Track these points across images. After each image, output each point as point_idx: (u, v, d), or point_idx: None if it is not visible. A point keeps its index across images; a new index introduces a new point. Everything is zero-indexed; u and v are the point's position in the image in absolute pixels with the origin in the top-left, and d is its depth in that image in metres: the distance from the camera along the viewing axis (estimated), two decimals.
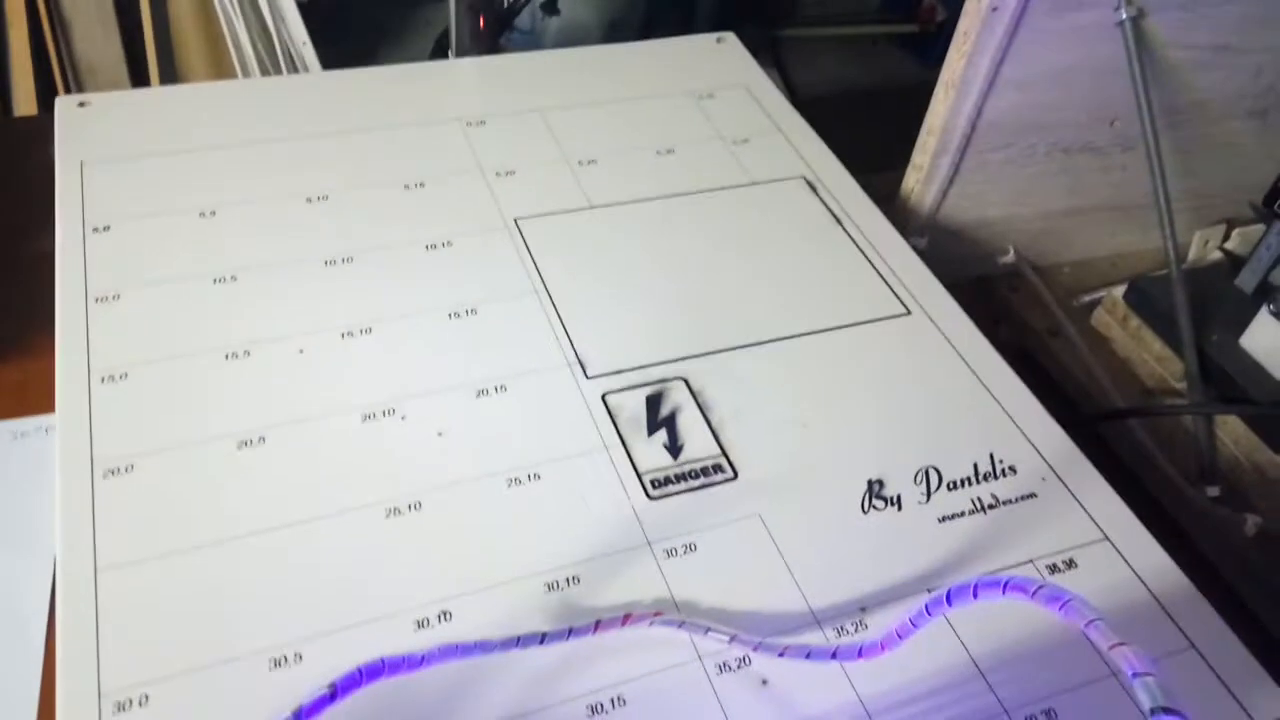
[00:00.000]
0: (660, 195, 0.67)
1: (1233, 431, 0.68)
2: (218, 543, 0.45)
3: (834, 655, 0.41)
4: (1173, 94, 0.75)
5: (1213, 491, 0.66)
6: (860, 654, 0.40)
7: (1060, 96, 0.72)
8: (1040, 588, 0.31)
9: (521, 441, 0.51)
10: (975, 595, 0.33)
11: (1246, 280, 0.69)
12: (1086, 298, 0.81)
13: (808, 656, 0.41)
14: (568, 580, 0.46)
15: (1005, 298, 0.82)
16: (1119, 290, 0.78)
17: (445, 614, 0.43)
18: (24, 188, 0.69)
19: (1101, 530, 0.50)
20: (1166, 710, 0.25)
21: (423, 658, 0.37)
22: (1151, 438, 0.69)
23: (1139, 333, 0.75)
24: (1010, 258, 0.82)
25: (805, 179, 0.70)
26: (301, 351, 0.54)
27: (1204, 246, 0.83)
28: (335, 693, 0.32)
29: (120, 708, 0.39)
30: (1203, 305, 0.72)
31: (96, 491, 0.46)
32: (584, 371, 0.55)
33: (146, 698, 0.39)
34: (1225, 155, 0.82)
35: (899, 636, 0.38)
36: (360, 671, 0.33)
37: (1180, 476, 0.67)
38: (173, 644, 0.41)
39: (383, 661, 0.34)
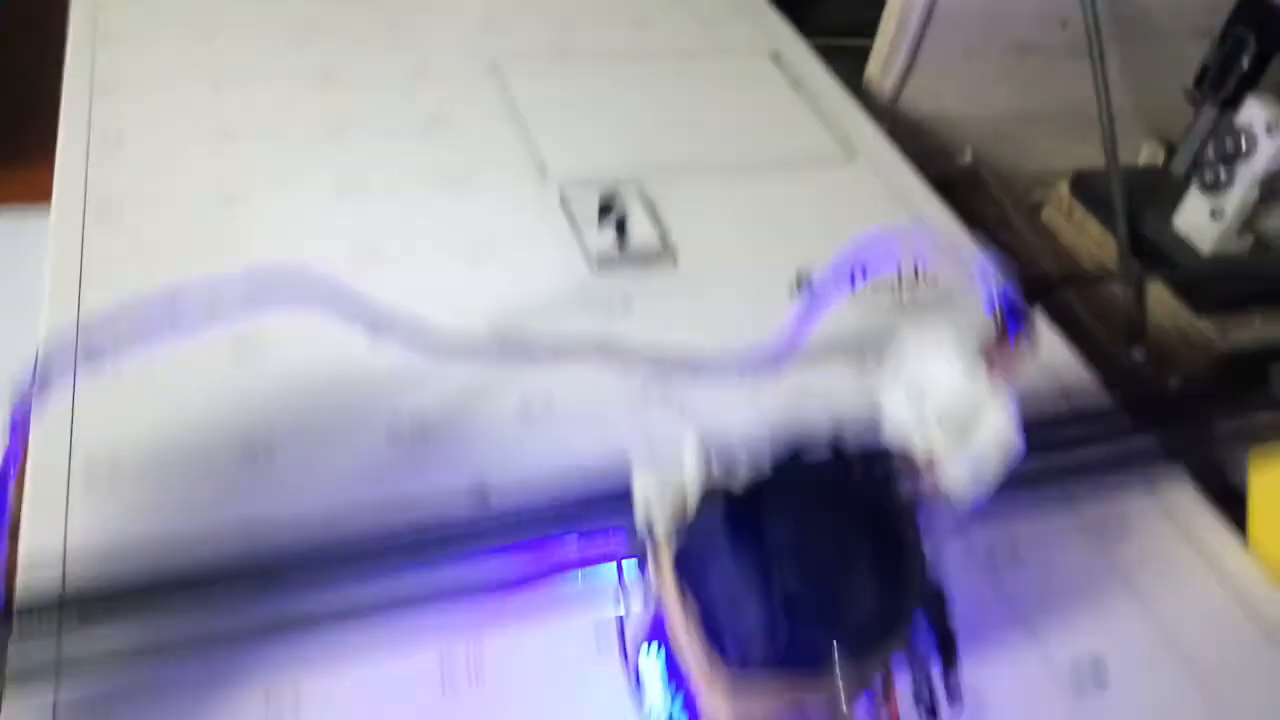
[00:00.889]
0: (633, 54, 0.72)
1: (1160, 301, 0.72)
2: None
3: (746, 366, 0.45)
4: (1122, 4, 0.80)
5: (1139, 355, 0.70)
6: (767, 358, 0.44)
7: None
8: (900, 243, 0.35)
9: (480, 221, 0.56)
10: (851, 267, 0.37)
11: (1179, 164, 0.74)
12: (1038, 196, 0.86)
13: (720, 373, 0.46)
14: (512, 326, 0.50)
15: (964, 197, 0.86)
16: (1065, 188, 0.82)
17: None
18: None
19: None
20: (1003, 300, 0.29)
21: (369, 312, 0.41)
22: (1086, 311, 0.73)
23: (1082, 223, 0.79)
24: (968, 158, 0.86)
25: (771, 52, 0.75)
26: (286, 137, 0.58)
27: (1152, 155, 0.87)
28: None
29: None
30: (1142, 196, 0.76)
31: (87, 227, 0.51)
32: (544, 174, 0.59)
33: None
34: (1175, 72, 0.86)
35: (795, 332, 0.42)
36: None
37: (1110, 342, 0.71)
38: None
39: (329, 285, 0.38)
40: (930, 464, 0.25)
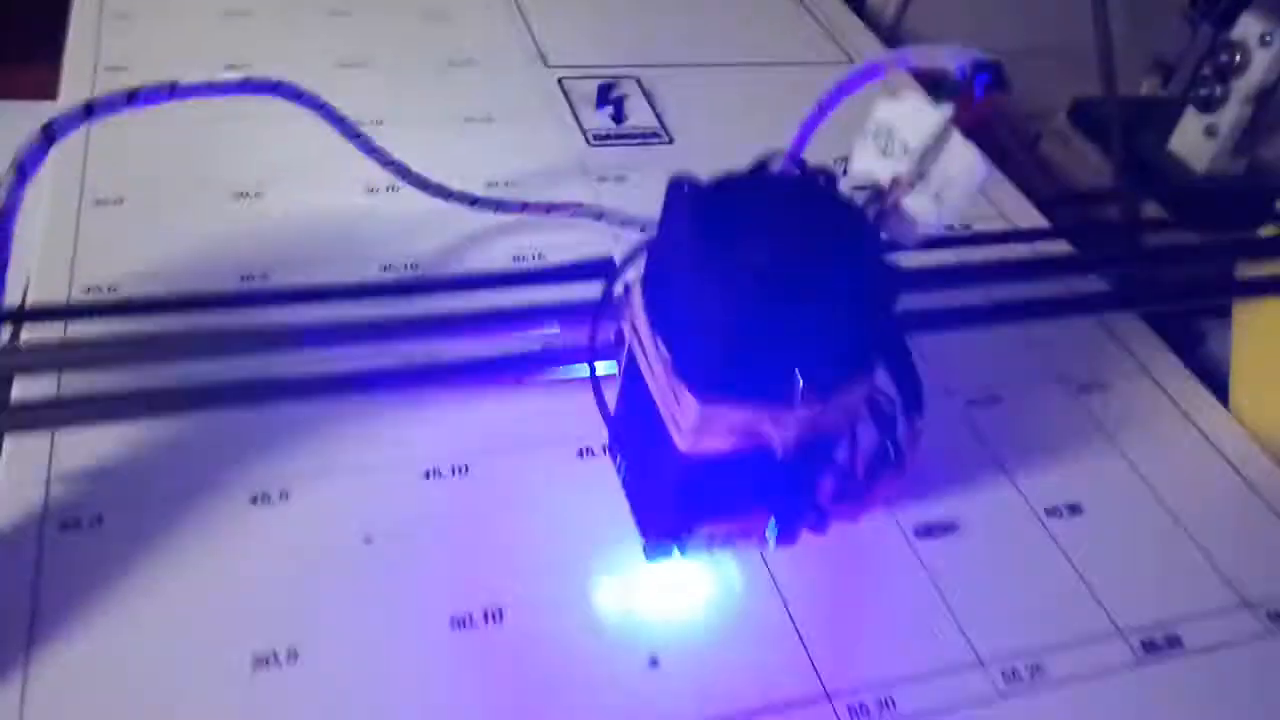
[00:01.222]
0: None
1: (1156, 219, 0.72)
2: None
3: None
4: None
5: None
6: None
7: None
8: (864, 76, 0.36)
9: (479, 99, 0.57)
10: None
11: (1176, 86, 0.74)
12: (1037, 129, 0.86)
13: None
14: (506, 184, 0.51)
15: (966, 133, 0.87)
16: (1063, 117, 0.83)
17: (393, 187, 0.49)
18: None
19: (990, 201, 0.56)
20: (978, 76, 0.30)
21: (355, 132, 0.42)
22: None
23: (1080, 150, 0.80)
24: None
25: None
26: (290, 18, 0.60)
27: (1153, 89, 0.88)
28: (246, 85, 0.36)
29: None
30: (1140, 123, 0.76)
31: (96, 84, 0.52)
32: (544, 62, 0.60)
33: None
34: (1176, 6, 0.87)
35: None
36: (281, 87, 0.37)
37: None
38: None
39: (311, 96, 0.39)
40: (898, 189, 0.26)
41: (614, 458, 0.32)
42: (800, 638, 0.34)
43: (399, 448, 0.37)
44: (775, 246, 0.24)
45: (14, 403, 0.30)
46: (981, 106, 0.27)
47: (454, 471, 0.37)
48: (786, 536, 0.29)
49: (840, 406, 0.26)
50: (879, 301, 0.25)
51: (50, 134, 0.30)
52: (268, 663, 0.30)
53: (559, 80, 0.59)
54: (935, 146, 0.26)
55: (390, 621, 0.32)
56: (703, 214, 0.24)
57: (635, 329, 0.28)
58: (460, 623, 0.32)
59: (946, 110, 0.26)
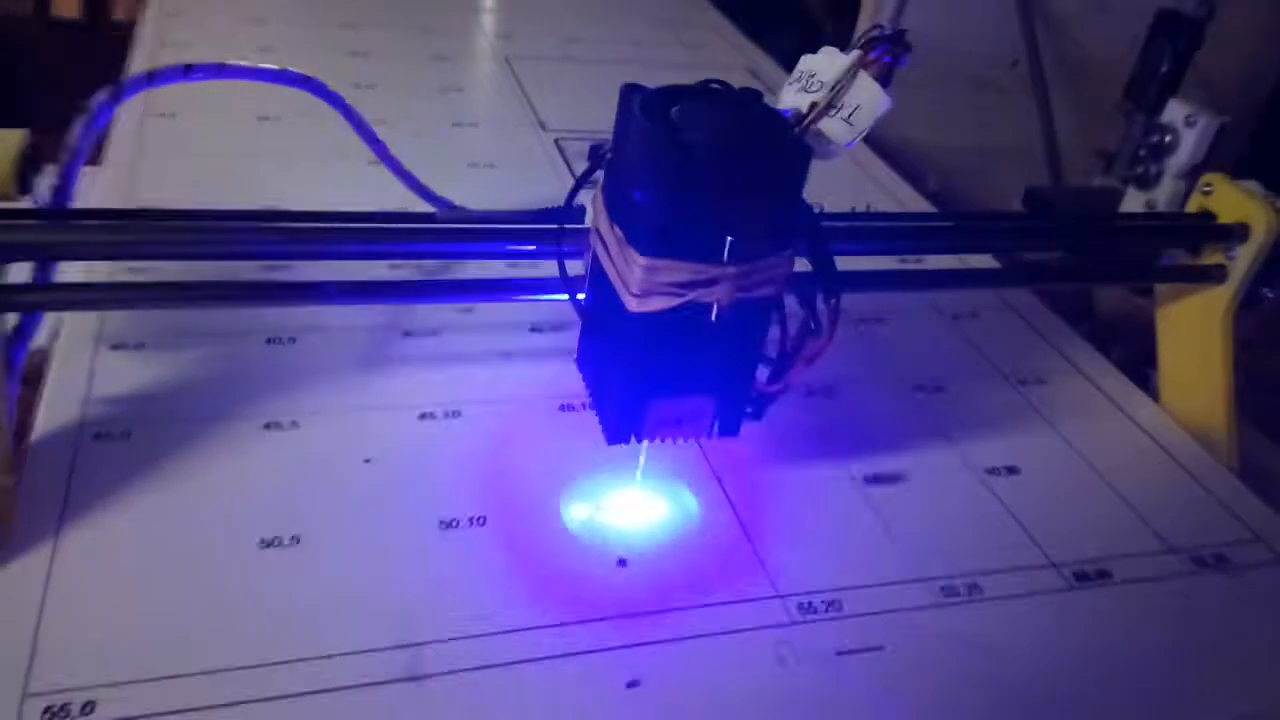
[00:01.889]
0: (626, 63, 0.82)
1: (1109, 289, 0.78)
2: None
3: None
4: (1063, 45, 0.90)
5: (1084, 329, 0.76)
6: None
7: (960, 24, 0.87)
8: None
9: (483, 149, 0.64)
10: None
11: (1117, 170, 0.81)
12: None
13: None
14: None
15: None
16: (1017, 204, 0.90)
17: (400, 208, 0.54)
18: None
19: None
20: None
21: (372, 139, 0.48)
22: (1039, 298, 0.79)
23: None
24: (933, 185, 0.95)
25: (749, 68, 0.85)
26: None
27: (1103, 183, 0.95)
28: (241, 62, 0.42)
29: None
30: (1090, 207, 0.84)
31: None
32: (543, 128, 0.68)
33: None
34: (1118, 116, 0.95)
35: None
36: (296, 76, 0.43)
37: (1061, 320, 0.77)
38: None
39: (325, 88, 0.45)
40: (815, 112, 0.32)
41: (581, 369, 0.36)
42: (755, 551, 0.37)
43: (398, 394, 0.42)
44: (711, 137, 0.29)
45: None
46: (887, 58, 0.33)
47: (447, 415, 0.41)
48: (729, 426, 0.34)
49: (765, 274, 0.30)
50: (796, 187, 0.30)
51: (118, 92, 0.36)
52: (272, 544, 0.34)
53: (555, 140, 0.66)
54: (846, 82, 0.32)
55: (384, 520, 0.36)
56: (651, 112, 0.30)
57: (597, 230, 0.33)
58: (448, 524, 0.36)
59: (854, 55, 0.32)
